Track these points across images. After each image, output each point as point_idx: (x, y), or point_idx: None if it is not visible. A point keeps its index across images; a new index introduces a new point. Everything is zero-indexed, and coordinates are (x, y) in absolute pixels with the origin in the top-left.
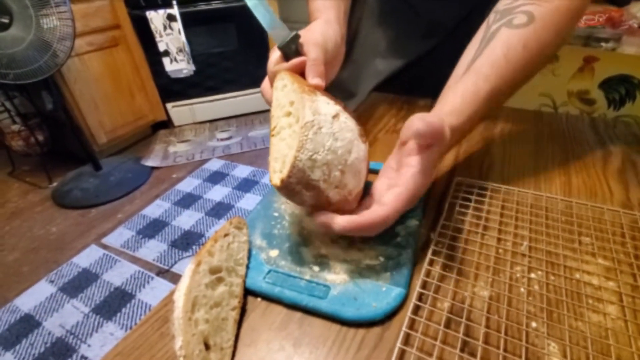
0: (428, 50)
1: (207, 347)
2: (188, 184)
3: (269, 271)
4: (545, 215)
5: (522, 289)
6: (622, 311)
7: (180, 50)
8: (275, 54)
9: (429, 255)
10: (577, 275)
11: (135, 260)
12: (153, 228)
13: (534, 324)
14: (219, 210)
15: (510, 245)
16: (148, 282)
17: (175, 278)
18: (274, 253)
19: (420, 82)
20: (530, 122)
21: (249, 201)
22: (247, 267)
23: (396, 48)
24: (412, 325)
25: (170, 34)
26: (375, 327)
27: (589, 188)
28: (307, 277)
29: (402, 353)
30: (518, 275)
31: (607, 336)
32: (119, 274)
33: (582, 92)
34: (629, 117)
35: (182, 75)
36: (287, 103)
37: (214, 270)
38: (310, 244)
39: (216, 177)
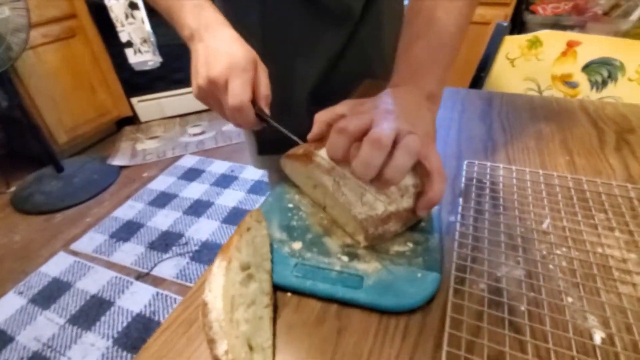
0: (345, 42)
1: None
2: (161, 183)
3: (296, 264)
4: (559, 193)
5: (551, 266)
6: None
7: (145, 41)
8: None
9: (457, 238)
10: (600, 250)
11: (110, 265)
12: (127, 230)
13: (569, 299)
14: (198, 208)
15: (533, 224)
16: (127, 288)
17: (156, 281)
18: (297, 245)
19: (357, 71)
20: (524, 105)
21: (229, 197)
22: (272, 261)
23: (312, 43)
24: (455, 309)
25: (132, 23)
26: (415, 313)
27: (592, 166)
28: (338, 267)
29: (452, 337)
30: (544, 252)
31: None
32: (93, 281)
33: (566, 76)
34: (611, 98)
35: (147, 68)
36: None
37: (244, 267)
38: (333, 233)
39: (191, 174)
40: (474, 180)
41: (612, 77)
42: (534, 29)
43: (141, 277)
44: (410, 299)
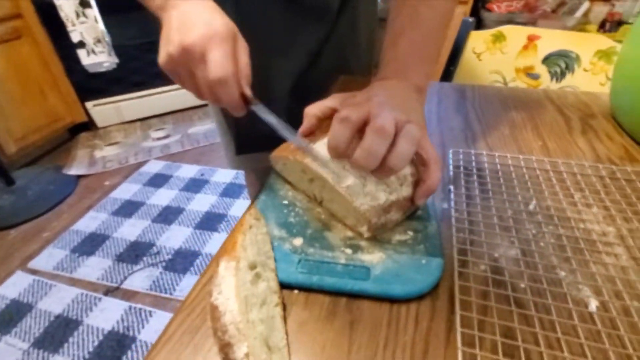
0: (323, 38)
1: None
2: (125, 191)
3: (300, 260)
4: (540, 175)
5: (542, 244)
6: (628, 251)
7: (99, 41)
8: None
9: (453, 223)
10: (582, 225)
11: (74, 282)
12: (90, 244)
13: (563, 273)
14: (168, 215)
15: (521, 206)
16: (95, 305)
17: (128, 295)
18: (298, 242)
19: (338, 67)
20: (495, 96)
21: (201, 202)
22: (274, 259)
23: (291, 39)
24: (462, 291)
25: (84, 22)
26: (424, 299)
27: (563, 149)
28: (343, 261)
29: (463, 318)
30: (534, 231)
31: (628, 271)
32: (57, 300)
33: (528, 68)
34: (570, 88)
35: (102, 70)
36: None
37: (251, 266)
38: (333, 227)
39: (158, 180)
40: (461, 168)
41: (569, 68)
42: (491, 26)
43: (110, 291)
44: (418, 286)
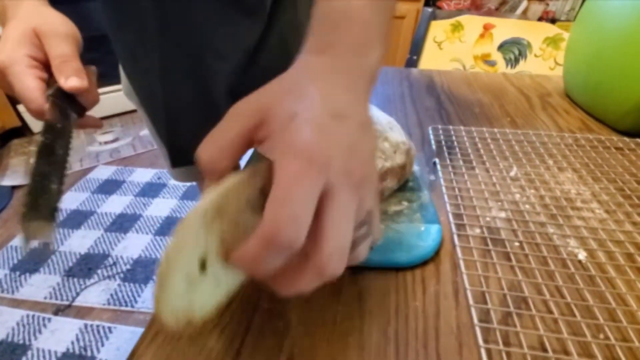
0: (262, 32)
1: None
2: (71, 200)
3: None
4: (515, 145)
5: (527, 205)
6: (602, 206)
7: None
8: None
9: (444, 192)
10: (559, 187)
11: (17, 303)
12: (33, 260)
13: (551, 229)
14: (123, 223)
15: (504, 172)
16: (45, 326)
17: (82, 312)
18: None
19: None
20: (461, 80)
21: (159, 207)
22: None
23: (223, 34)
24: (464, 252)
25: None
26: (428, 265)
27: (529, 124)
28: None
29: (470, 277)
30: (519, 194)
31: (607, 223)
32: None
33: (485, 55)
34: (523, 73)
35: None
36: None
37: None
38: None
39: (109, 187)
40: (443, 142)
41: (522, 54)
42: None
43: (61, 310)
44: (421, 251)
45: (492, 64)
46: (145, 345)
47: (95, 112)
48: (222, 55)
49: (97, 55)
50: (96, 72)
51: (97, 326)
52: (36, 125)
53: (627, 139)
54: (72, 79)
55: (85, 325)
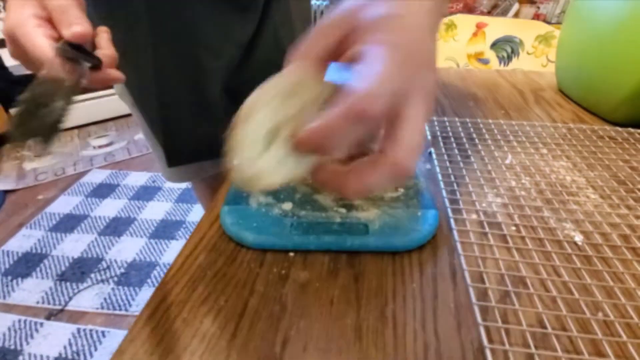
0: (256, 27)
1: None
2: (64, 204)
3: (292, 224)
4: (510, 135)
5: (523, 191)
6: (596, 192)
7: None
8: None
9: (440, 179)
10: (554, 175)
11: (9, 308)
12: (25, 264)
13: (547, 213)
14: (117, 226)
15: (499, 160)
16: (37, 331)
17: (75, 316)
18: (287, 206)
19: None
20: (455, 76)
21: (154, 210)
22: (264, 226)
23: (217, 31)
24: (461, 235)
25: None
26: (425, 249)
27: (523, 116)
28: (338, 219)
29: (467, 258)
30: (515, 182)
31: (602, 207)
32: None
33: (478, 54)
34: (517, 70)
35: (29, 72)
36: None
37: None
38: (323, 190)
39: (103, 190)
40: (438, 133)
41: (514, 52)
42: None
43: (54, 315)
44: (419, 235)
45: (485, 62)
46: (139, 328)
47: (90, 116)
48: (216, 51)
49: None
50: (109, 31)
51: (90, 330)
52: None
53: (620, 129)
54: (73, 27)
55: (78, 330)
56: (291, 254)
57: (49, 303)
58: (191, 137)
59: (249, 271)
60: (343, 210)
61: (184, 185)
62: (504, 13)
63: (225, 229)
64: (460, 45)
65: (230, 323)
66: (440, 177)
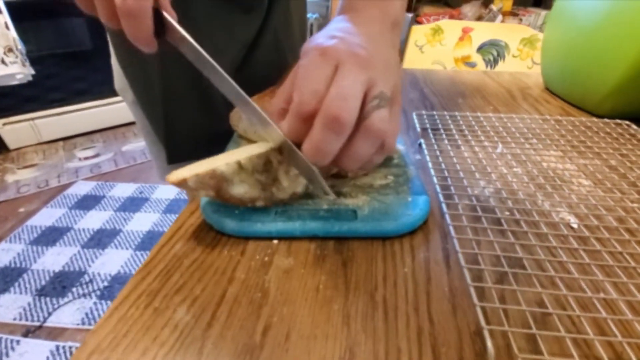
0: (257, 29)
1: None
2: (46, 217)
3: (276, 212)
4: (499, 127)
5: (516, 179)
6: (588, 178)
7: (10, 50)
8: None
9: (430, 167)
10: (545, 163)
11: None
12: (3, 280)
13: (541, 198)
14: (101, 238)
15: (490, 149)
16: (13, 349)
17: (55, 333)
18: None
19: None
20: (443, 77)
21: (141, 221)
22: (248, 214)
23: (223, 32)
24: (453, 218)
25: None
26: (416, 234)
27: (512, 110)
28: (326, 206)
29: (461, 241)
30: (507, 169)
31: (596, 192)
32: None
33: (465, 57)
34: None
35: (15, 82)
36: None
37: None
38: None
39: (87, 202)
40: (428, 126)
41: (500, 55)
42: None
43: (31, 332)
44: (409, 219)
45: (472, 65)
46: (105, 319)
47: (76, 127)
48: (221, 49)
49: (80, 72)
50: None
51: (70, 347)
52: (13, 141)
53: (607, 120)
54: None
55: (57, 347)
56: (275, 241)
57: (26, 319)
58: (192, 134)
59: (229, 259)
60: (331, 197)
61: (172, 195)
62: None
63: (205, 217)
64: (447, 50)
65: (206, 312)
66: (430, 165)
